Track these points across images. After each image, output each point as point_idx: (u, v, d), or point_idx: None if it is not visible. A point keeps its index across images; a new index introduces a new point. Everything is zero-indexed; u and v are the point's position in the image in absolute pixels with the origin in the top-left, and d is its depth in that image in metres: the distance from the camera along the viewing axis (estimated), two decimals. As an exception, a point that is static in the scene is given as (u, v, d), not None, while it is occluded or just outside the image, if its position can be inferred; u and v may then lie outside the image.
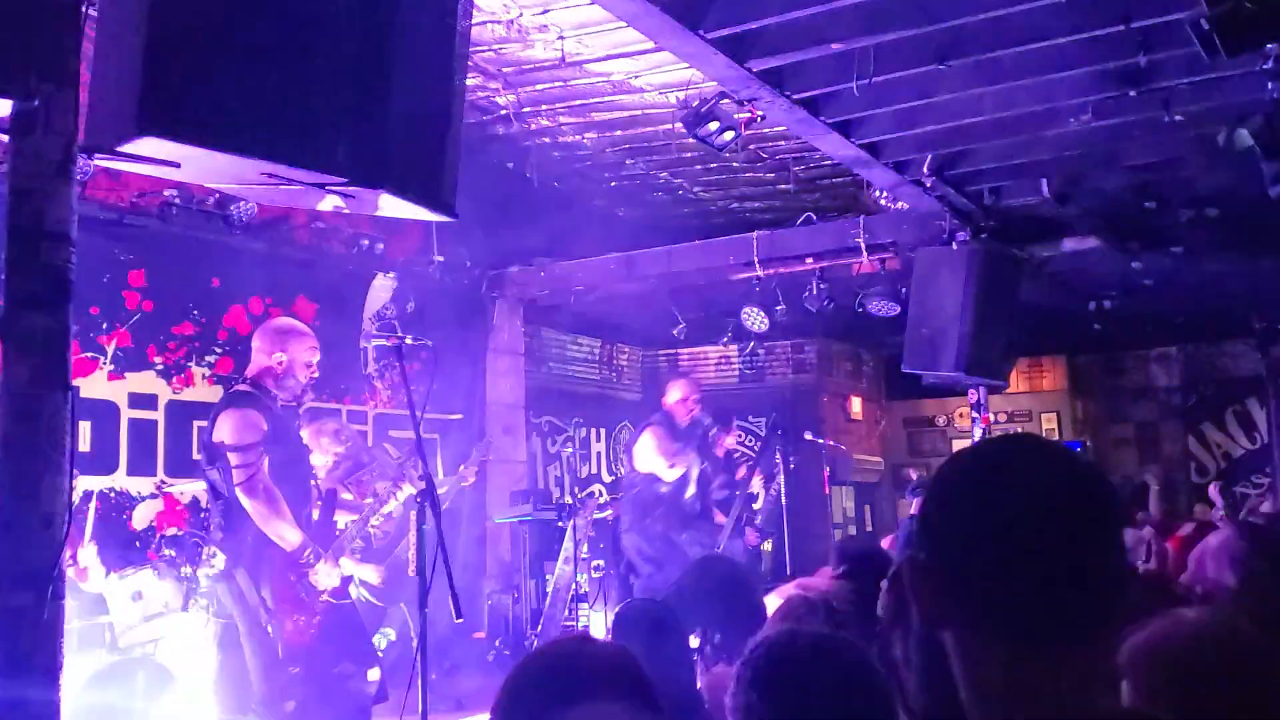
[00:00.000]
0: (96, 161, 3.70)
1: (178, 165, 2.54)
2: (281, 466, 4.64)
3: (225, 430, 4.54)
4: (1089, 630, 1.13)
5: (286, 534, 4.53)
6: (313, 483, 5.11)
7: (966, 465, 1.27)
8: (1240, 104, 5.63)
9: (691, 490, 7.65)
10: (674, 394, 7.88)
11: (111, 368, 6.63)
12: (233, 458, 4.48)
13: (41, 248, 2.41)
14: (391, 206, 2.86)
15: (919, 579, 1.20)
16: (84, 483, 6.32)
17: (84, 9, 2.51)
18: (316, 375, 4.95)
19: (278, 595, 4.56)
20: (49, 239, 2.42)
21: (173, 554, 6.18)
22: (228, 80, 2.38)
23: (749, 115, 5.78)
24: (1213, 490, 8.37)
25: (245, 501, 4.46)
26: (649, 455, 7.60)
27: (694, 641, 3.46)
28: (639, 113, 7.40)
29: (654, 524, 7.58)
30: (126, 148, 2.39)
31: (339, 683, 4.75)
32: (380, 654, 6.59)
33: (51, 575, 2.31)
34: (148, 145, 2.38)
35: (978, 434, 8.35)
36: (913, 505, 8.48)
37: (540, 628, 8.34)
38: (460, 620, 3.84)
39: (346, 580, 4.95)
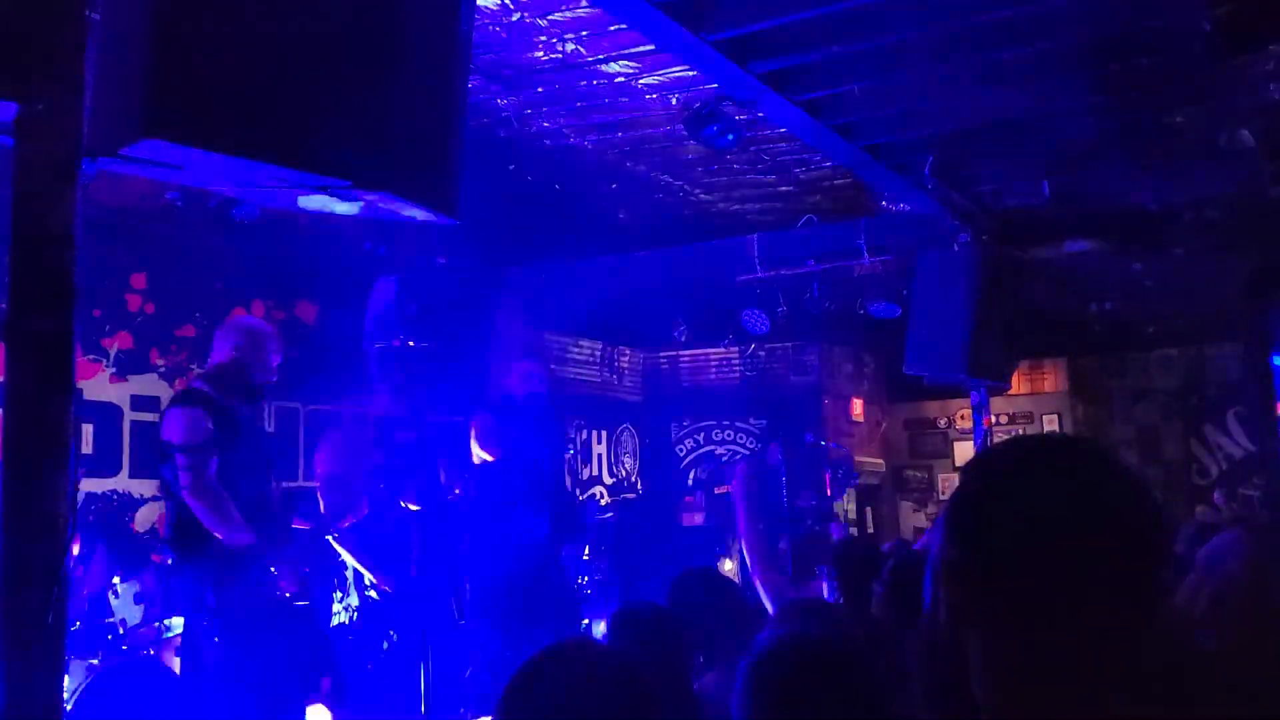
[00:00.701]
0: (100, 165, 3.70)
1: (181, 168, 2.54)
2: (236, 466, 4.57)
3: (172, 429, 4.49)
4: (1120, 635, 1.12)
5: (237, 535, 4.46)
6: (276, 484, 5.03)
7: (995, 464, 1.25)
8: (1243, 105, 5.64)
9: (536, 471, 7.08)
10: (516, 373, 7.49)
11: (114, 370, 6.64)
12: (179, 459, 4.42)
13: (44, 251, 2.41)
14: (396, 209, 2.86)
15: (950, 577, 1.19)
16: (86, 485, 6.33)
17: (87, 11, 2.51)
18: (274, 379, 4.90)
19: (223, 597, 4.48)
20: (52, 242, 2.41)
21: (176, 556, 6.18)
22: (231, 83, 2.38)
23: (750, 117, 5.78)
24: (1218, 496, 8.35)
25: (191, 503, 4.41)
26: (474, 446, 7.14)
27: None
28: (640, 115, 7.41)
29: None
30: (130, 151, 2.39)
31: (286, 685, 4.67)
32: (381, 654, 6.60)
33: (55, 577, 2.31)
34: (151, 148, 2.38)
35: (979, 436, 8.35)
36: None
37: (543, 630, 8.32)
38: (463, 622, 3.85)
39: (295, 584, 4.87)
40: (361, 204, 2.84)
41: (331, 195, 2.71)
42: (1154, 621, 1.14)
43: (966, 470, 1.26)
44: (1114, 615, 1.11)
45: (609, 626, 3.43)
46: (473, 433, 7.14)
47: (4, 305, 2.51)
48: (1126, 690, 1.11)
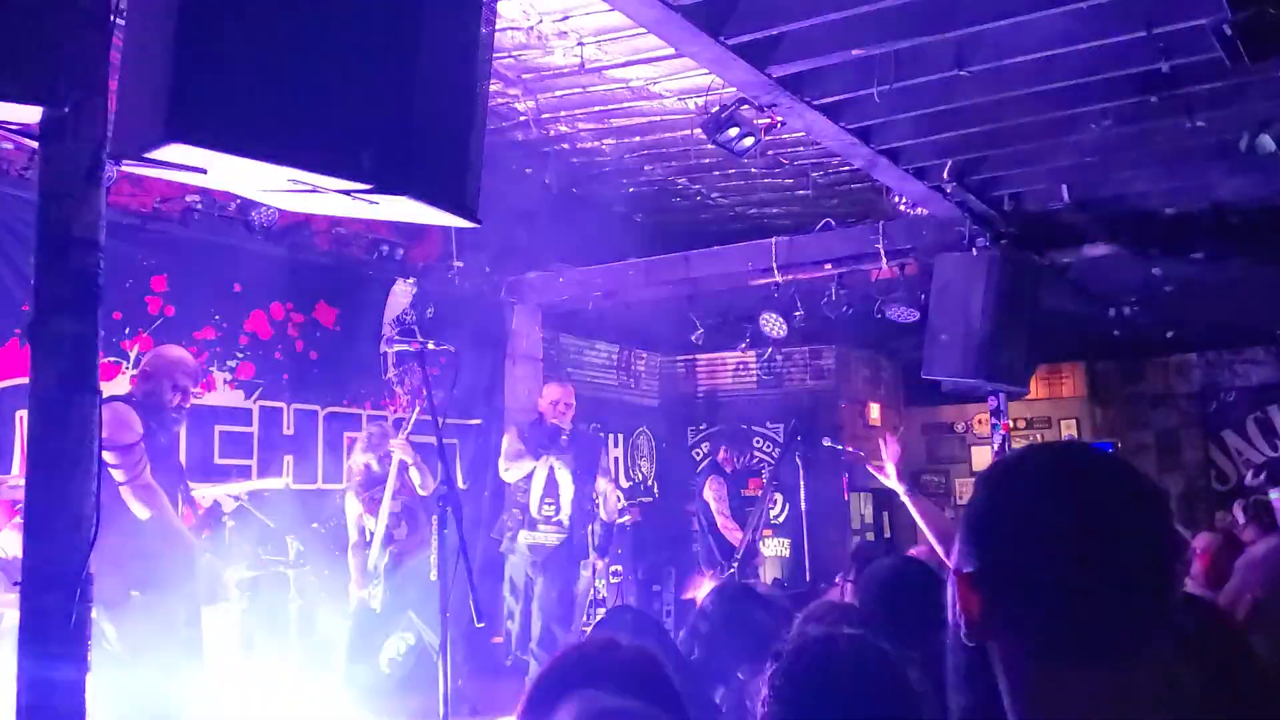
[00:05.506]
0: (124, 167, 3.72)
1: (204, 171, 2.56)
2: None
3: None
4: (1137, 646, 1.11)
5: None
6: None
7: (1015, 472, 1.23)
8: (1263, 109, 5.61)
9: (536, 496, 7.65)
10: (546, 395, 7.90)
11: (134, 372, 6.66)
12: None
13: (70, 253, 2.43)
14: (416, 212, 2.87)
15: (964, 589, 1.17)
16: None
17: (113, 16, 2.53)
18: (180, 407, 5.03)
19: None
20: (77, 245, 2.44)
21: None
22: (255, 87, 2.39)
23: (769, 121, 5.78)
24: (1237, 508, 8.27)
25: None
26: (500, 457, 7.80)
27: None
28: (658, 119, 7.42)
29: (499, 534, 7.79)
30: (154, 154, 2.40)
31: None
32: (399, 658, 6.62)
33: (79, 577, 2.32)
34: (175, 151, 2.40)
35: (997, 441, 8.32)
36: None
37: (558, 633, 8.33)
38: (481, 625, 3.86)
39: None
40: (381, 207, 2.85)
41: (352, 198, 2.72)
42: (1167, 630, 1.13)
43: (982, 480, 1.24)
44: (1128, 627, 1.10)
45: (596, 629, 3.37)
46: (503, 444, 7.75)
47: (29, 307, 2.53)
48: (1142, 702, 1.09)
